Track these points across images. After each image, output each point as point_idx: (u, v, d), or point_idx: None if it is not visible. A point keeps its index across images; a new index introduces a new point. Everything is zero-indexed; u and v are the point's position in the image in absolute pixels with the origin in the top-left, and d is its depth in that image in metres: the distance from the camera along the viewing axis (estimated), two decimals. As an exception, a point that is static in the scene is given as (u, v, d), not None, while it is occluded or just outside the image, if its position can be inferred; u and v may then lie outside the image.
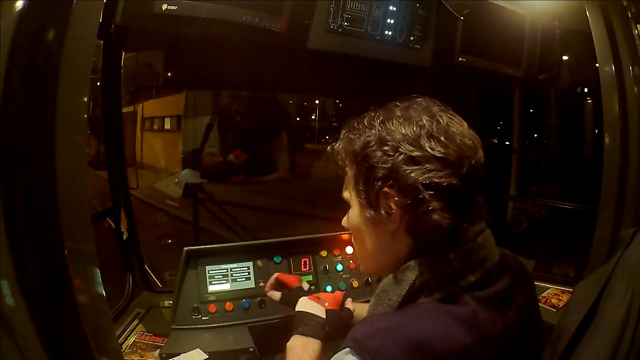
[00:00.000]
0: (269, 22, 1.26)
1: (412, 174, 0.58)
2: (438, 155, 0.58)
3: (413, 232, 0.61)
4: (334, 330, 0.87)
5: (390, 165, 0.59)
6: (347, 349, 0.55)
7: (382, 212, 0.62)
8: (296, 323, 0.89)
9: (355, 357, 0.53)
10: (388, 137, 0.61)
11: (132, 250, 1.51)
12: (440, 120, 0.61)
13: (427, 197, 0.58)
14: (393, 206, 0.60)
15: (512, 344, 0.60)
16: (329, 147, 0.73)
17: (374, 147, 0.62)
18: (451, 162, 0.58)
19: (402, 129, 0.60)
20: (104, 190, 1.45)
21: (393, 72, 1.70)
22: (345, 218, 0.74)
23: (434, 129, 0.60)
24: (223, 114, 2.65)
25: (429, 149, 0.58)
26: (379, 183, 0.61)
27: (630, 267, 0.67)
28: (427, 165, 0.58)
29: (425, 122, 0.60)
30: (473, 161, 0.60)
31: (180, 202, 2.60)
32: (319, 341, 0.84)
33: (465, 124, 0.64)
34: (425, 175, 0.57)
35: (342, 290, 0.96)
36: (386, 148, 0.60)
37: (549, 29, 1.89)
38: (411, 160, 0.58)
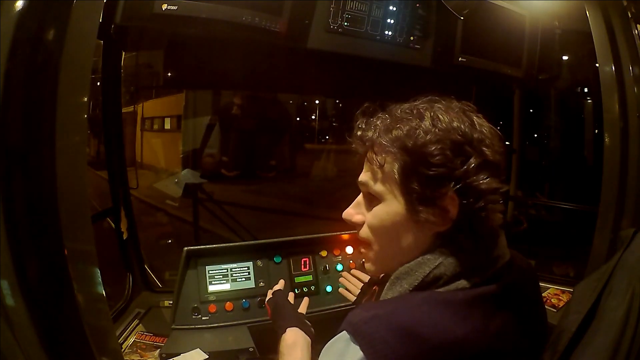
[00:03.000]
0: (269, 22, 1.26)
1: (482, 181, 0.57)
2: (493, 160, 0.59)
3: (457, 233, 0.59)
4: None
5: (458, 168, 0.57)
6: (344, 332, 0.56)
7: (436, 213, 0.59)
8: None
9: (351, 341, 0.55)
10: (445, 136, 0.57)
11: (132, 250, 1.51)
12: (484, 125, 0.61)
13: (488, 202, 0.58)
14: (452, 209, 0.58)
15: (512, 341, 0.60)
16: (356, 132, 0.66)
17: (434, 145, 0.57)
18: (499, 167, 0.60)
19: (456, 126, 0.59)
20: (104, 190, 1.45)
21: (393, 72, 1.70)
22: (352, 211, 0.68)
23: (484, 134, 0.60)
24: (223, 114, 2.65)
25: (487, 154, 0.58)
26: (445, 185, 0.57)
27: (630, 267, 0.67)
28: (490, 170, 0.58)
29: (475, 124, 0.60)
30: (504, 166, 0.62)
31: (180, 202, 2.60)
32: (287, 330, 0.91)
33: (497, 131, 0.64)
34: (489, 180, 0.57)
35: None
36: (447, 148, 0.57)
37: (549, 29, 1.89)
38: (479, 165, 0.57)
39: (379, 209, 0.64)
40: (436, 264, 0.59)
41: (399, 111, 0.63)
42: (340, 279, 1.15)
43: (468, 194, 0.57)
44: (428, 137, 0.58)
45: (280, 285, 1.09)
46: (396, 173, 0.60)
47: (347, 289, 1.11)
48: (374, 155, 0.63)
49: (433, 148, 0.57)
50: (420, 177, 0.58)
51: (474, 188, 0.57)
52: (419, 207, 0.59)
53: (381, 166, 0.62)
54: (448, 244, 0.60)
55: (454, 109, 0.62)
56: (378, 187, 0.63)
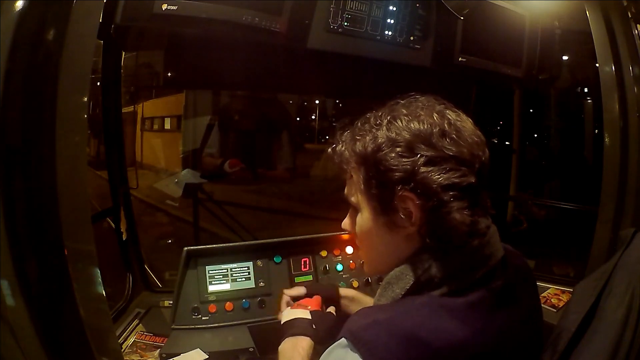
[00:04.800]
0: (269, 22, 1.26)
1: (433, 176, 0.56)
2: (453, 154, 0.57)
3: (430, 233, 0.59)
4: (321, 328, 0.88)
5: (408, 167, 0.57)
6: (343, 339, 0.56)
7: (401, 215, 0.60)
8: (284, 331, 0.90)
9: (350, 348, 0.54)
10: (399, 138, 0.58)
11: (132, 250, 1.51)
12: (450, 118, 0.60)
13: (448, 198, 0.57)
14: (413, 210, 0.58)
15: (511, 341, 0.60)
16: (329, 149, 0.70)
17: (386, 149, 0.59)
18: (465, 161, 0.58)
19: (413, 127, 0.58)
20: (104, 190, 1.45)
21: (393, 72, 1.70)
22: (347, 221, 0.71)
23: (446, 127, 0.58)
24: (223, 114, 2.65)
25: (444, 149, 0.57)
26: (397, 187, 0.58)
27: (630, 267, 0.67)
28: (444, 166, 0.57)
29: (435, 120, 0.59)
30: (483, 158, 0.60)
31: (180, 202, 2.60)
32: (308, 338, 0.85)
33: (470, 121, 0.63)
34: (445, 176, 0.56)
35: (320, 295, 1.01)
36: (399, 149, 0.58)
37: (549, 29, 1.89)
38: (429, 162, 0.57)
39: (358, 218, 0.67)
40: (425, 267, 0.59)
41: (361, 122, 0.65)
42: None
43: (423, 192, 0.57)
44: (380, 142, 0.59)
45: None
46: (360, 182, 0.64)
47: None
48: (344, 168, 0.67)
49: (384, 152, 0.59)
50: (377, 182, 0.60)
51: (425, 185, 0.56)
52: (383, 212, 0.61)
53: (351, 177, 0.67)
54: (432, 246, 0.60)
55: (421, 107, 0.62)
56: (352, 198, 0.68)
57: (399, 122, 0.60)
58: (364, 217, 0.65)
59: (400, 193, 0.58)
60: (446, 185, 0.56)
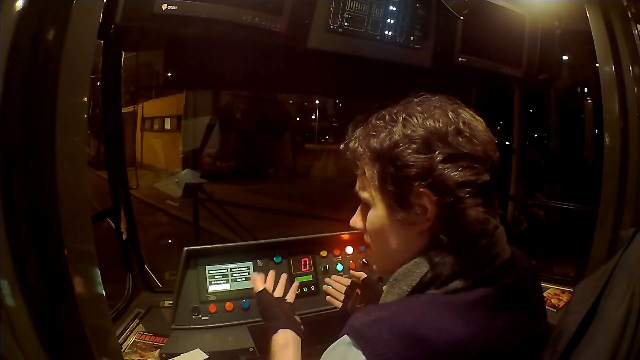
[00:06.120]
0: (269, 22, 1.26)
1: (449, 173, 0.57)
2: (468, 152, 0.58)
3: (442, 229, 0.60)
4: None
5: (425, 164, 0.57)
6: (346, 336, 0.56)
7: (415, 212, 0.60)
8: None
9: (353, 345, 0.54)
10: (415, 135, 0.59)
11: (132, 250, 1.51)
12: (464, 117, 0.60)
13: (464, 194, 0.57)
14: (429, 206, 0.58)
15: (513, 341, 0.60)
16: (342, 145, 0.69)
17: (403, 146, 0.59)
18: (479, 159, 0.58)
19: (428, 124, 0.59)
20: (104, 190, 1.45)
21: (393, 72, 1.70)
22: (356, 218, 0.71)
23: (461, 126, 0.59)
24: (223, 114, 2.65)
25: (459, 146, 0.57)
26: (414, 183, 0.58)
27: (630, 267, 0.67)
28: (460, 163, 0.57)
29: (450, 118, 0.59)
30: (495, 157, 0.61)
31: (180, 202, 2.60)
32: (280, 330, 0.91)
33: (482, 121, 0.63)
34: (461, 173, 0.57)
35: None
36: (416, 146, 0.58)
37: (549, 29, 1.89)
38: (445, 159, 0.57)
39: (370, 214, 0.66)
40: (433, 264, 0.59)
41: (375, 119, 0.65)
42: (324, 287, 1.16)
43: (439, 189, 0.57)
44: (397, 139, 0.59)
45: (270, 278, 1.07)
46: (375, 179, 0.63)
47: (331, 295, 1.12)
48: (357, 164, 0.67)
49: (401, 148, 0.59)
50: (393, 179, 0.60)
51: (442, 182, 0.57)
52: (398, 208, 0.61)
53: (363, 173, 0.66)
54: (441, 243, 0.60)
55: (435, 106, 0.62)
56: (364, 194, 0.67)
57: (415, 120, 0.60)
58: (378, 214, 0.65)
59: (416, 189, 0.58)
60: (462, 182, 0.57)
